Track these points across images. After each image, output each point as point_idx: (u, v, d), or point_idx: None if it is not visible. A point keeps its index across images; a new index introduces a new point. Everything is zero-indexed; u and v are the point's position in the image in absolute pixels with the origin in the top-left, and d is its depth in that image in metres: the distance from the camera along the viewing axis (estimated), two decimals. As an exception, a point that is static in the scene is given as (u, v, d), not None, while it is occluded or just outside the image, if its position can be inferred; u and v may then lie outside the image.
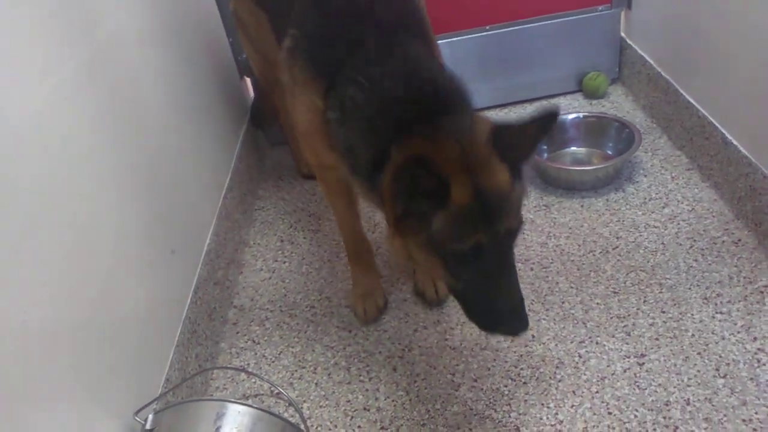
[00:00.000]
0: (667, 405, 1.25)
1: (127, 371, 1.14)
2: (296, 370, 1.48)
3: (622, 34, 2.29)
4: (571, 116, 2.06)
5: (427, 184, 0.97)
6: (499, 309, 1.07)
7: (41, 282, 0.92)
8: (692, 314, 1.42)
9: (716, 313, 1.41)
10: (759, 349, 1.31)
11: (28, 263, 0.90)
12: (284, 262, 1.83)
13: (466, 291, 1.10)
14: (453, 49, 2.23)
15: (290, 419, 1.16)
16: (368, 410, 1.36)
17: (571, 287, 1.55)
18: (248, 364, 1.52)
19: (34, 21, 1.02)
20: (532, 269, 1.62)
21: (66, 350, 0.96)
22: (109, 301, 1.11)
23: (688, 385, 1.27)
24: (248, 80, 2.33)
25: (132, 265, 1.22)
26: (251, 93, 2.35)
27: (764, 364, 1.28)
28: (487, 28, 2.22)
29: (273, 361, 1.51)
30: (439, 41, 2.17)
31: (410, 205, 1.02)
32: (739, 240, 1.59)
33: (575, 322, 1.46)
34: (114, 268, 1.15)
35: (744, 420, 1.19)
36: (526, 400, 1.31)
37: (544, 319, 1.48)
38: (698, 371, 1.30)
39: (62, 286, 0.98)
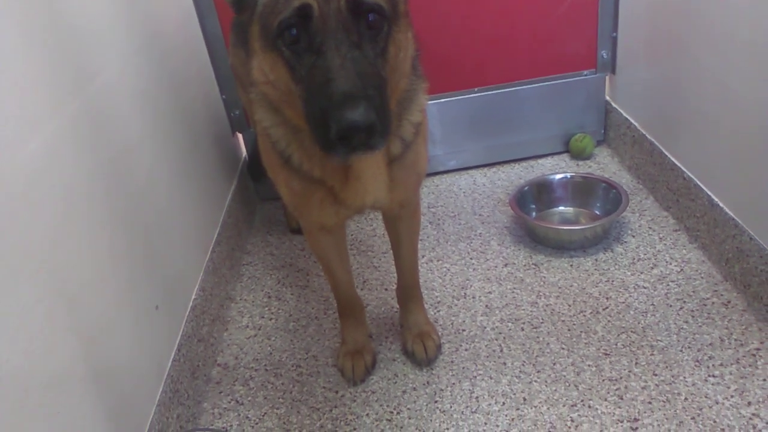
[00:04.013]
0: (662, 472, 1.21)
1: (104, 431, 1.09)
2: (280, 433, 1.43)
3: (607, 98, 2.35)
4: (558, 176, 2.09)
5: None
6: (333, 101, 0.91)
7: (18, 334, 0.90)
8: (684, 377, 1.40)
9: (709, 376, 1.40)
10: (754, 414, 1.29)
11: (6, 314, 0.87)
12: (270, 319, 1.80)
13: (307, 92, 0.97)
14: (442, 110, 2.28)
15: (273, 486, 1.11)
16: (355, 476, 1.30)
17: (563, 348, 1.53)
18: (231, 426, 1.46)
19: (26, 74, 1.03)
20: (522, 329, 1.60)
21: (39, 406, 0.92)
22: (87, 356, 1.07)
23: (684, 452, 1.24)
24: (240, 136, 2.35)
25: (114, 320, 1.19)
26: (243, 149, 2.36)
27: (760, 430, 1.25)
28: (476, 90, 2.28)
29: (257, 423, 1.46)
30: (430, 102, 2.23)
31: None
32: (729, 302, 1.59)
33: (567, 384, 1.43)
34: (95, 321, 1.12)
35: (742, 489, 1.16)
36: (518, 467, 1.27)
37: (535, 381, 1.45)
38: (693, 437, 1.27)
39: (40, 338, 0.94)
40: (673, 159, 1.90)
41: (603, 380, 1.43)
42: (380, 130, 0.94)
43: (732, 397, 1.34)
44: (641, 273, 1.74)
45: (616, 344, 1.52)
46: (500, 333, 1.60)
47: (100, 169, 1.22)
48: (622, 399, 1.37)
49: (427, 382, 1.50)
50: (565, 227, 1.94)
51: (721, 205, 1.66)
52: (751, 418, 1.28)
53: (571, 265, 1.81)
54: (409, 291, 1.60)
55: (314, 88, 0.96)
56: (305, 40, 0.97)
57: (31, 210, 0.97)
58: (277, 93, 1.08)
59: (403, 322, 1.62)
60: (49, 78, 1.09)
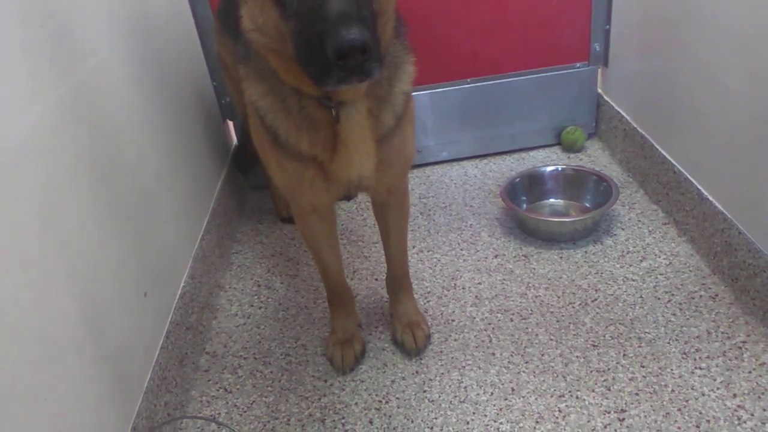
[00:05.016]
0: (648, 463, 1.22)
1: (91, 419, 1.08)
2: (269, 421, 1.43)
3: (599, 91, 2.35)
4: (549, 168, 2.10)
5: None
6: (329, 22, 0.90)
7: (3, 321, 0.88)
8: (672, 369, 1.41)
9: (695, 368, 1.41)
10: (739, 405, 1.30)
11: (-7, 303, 0.86)
12: (260, 308, 1.79)
13: (299, 24, 0.96)
14: (435, 100, 2.27)
15: (261, 474, 1.11)
16: (343, 465, 1.31)
17: (551, 339, 1.54)
18: (219, 414, 1.46)
19: (14, 55, 1.01)
20: (511, 320, 1.61)
21: (26, 393, 0.91)
22: (75, 343, 1.06)
23: (669, 443, 1.26)
24: (231, 123, 2.33)
25: (102, 307, 1.18)
26: (234, 136, 2.35)
27: (745, 422, 1.27)
28: (468, 81, 2.27)
29: (245, 411, 1.46)
30: (422, 92, 2.23)
31: None
32: (716, 295, 1.60)
33: (555, 375, 1.44)
34: (83, 308, 1.10)
35: (726, 479, 1.18)
36: (505, 456, 1.27)
37: (524, 372, 1.46)
38: (679, 428, 1.28)
39: (26, 324, 0.93)
40: (664, 152, 1.91)
41: (591, 371, 1.43)
42: (374, 55, 0.94)
43: (718, 389, 1.35)
44: (630, 266, 1.75)
45: (605, 336, 1.53)
46: (489, 324, 1.61)
47: (88, 156, 1.21)
48: (609, 390, 1.38)
49: (416, 372, 1.50)
50: (555, 219, 1.94)
51: (710, 199, 1.67)
52: (736, 410, 1.30)
53: (561, 257, 1.82)
54: (398, 280, 1.60)
55: (307, 15, 0.95)
56: None
57: (17, 196, 0.96)
58: (265, 39, 1.06)
59: (393, 312, 1.62)
60: (34, 62, 1.07)
